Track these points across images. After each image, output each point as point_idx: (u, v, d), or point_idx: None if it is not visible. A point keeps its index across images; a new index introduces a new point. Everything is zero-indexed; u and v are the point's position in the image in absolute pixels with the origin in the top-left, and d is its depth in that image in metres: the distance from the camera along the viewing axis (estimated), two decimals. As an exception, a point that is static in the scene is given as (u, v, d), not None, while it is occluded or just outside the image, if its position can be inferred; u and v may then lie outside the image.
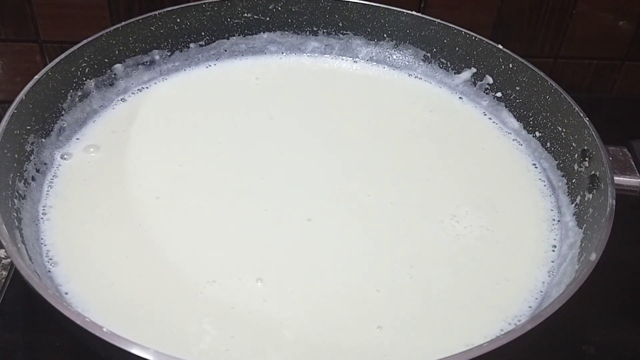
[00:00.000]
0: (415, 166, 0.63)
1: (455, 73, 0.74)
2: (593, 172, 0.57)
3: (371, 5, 0.75)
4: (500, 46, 0.69)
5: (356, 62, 0.78)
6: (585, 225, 0.55)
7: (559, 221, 0.59)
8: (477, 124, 0.70)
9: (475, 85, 0.73)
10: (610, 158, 0.55)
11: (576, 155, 0.60)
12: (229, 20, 0.74)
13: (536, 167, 0.65)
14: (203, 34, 0.74)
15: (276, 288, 0.51)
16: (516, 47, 0.72)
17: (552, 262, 0.55)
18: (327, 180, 0.60)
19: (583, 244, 0.53)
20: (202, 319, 0.48)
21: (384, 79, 0.76)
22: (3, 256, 0.66)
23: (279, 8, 0.75)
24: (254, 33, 0.76)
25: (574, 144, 0.61)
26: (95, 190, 0.58)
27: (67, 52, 0.62)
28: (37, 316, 0.57)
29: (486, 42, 0.70)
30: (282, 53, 0.77)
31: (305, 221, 0.56)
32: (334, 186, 0.60)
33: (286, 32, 0.76)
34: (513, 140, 0.68)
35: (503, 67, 0.70)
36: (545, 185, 0.63)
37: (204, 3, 0.72)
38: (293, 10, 0.75)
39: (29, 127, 0.57)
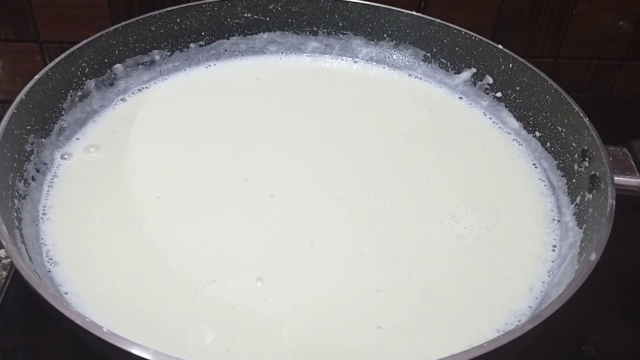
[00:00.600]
0: (415, 166, 0.63)
1: (455, 73, 0.74)
2: (593, 172, 0.57)
3: (371, 5, 0.75)
4: (500, 46, 0.69)
5: (356, 62, 0.78)
6: (585, 225, 0.55)
7: (559, 221, 0.59)
8: (477, 124, 0.70)
9: (475, 85, 0.73)
10: (610, 158, 0.55)
11: (576, 155, 0.60)
12: (229, 20, 0.74)
13: (536, 167, 0.65)
14: (203, 34, 0.74)
15: (276, 288, 0.51)
16: (516, 47, 0.72)
17: (552, 262, 0.55)
18: (328, 180, 0.60)
19: (583, 244, 0.53)
20: (202, 319, 0.48)
21: (384, 79, 0.76)
22: (3, 256, 0.66)
23: (279, 8, 0.75)
24: (254, 33, 0.76)
25: (574, 144, 0.61)
26: (96, 190, 0.58)
27: (67, 52, 0.62)
28: (37, 316, 0.57)
29: (486, 42, 0.70)
30: (282, 53, 0.77)
31: (306, 221, 0.56)
32: (334, 186, 0.60)
33: (286, 32, 0.76)
34: (513, 140, 0.68)
35: (503, 67, 0.70)
36: (545, 185, 0.63)
37: (204, 3, 0.72)
38: (293, 10, 0.75)
39: (29, 127, 0.57)
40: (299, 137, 0.65)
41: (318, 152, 0.64)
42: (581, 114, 0.60)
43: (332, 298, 0.50)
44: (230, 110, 0.68)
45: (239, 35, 0.75)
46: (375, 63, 0.77)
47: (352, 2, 0.74)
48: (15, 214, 0.51)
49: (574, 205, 0.59)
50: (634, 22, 0.86)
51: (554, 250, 0.56)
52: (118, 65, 0.68)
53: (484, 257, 0.55)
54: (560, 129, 0.63)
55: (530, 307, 0.51)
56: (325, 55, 0.78)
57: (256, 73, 0.74)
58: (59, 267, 0.51)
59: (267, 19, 0.75)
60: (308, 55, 0.78)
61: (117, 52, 0.67)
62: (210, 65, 0.75)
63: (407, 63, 0.76)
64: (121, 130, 0.65)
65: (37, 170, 0.58)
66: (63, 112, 0.62)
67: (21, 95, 0.56)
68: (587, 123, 0.59)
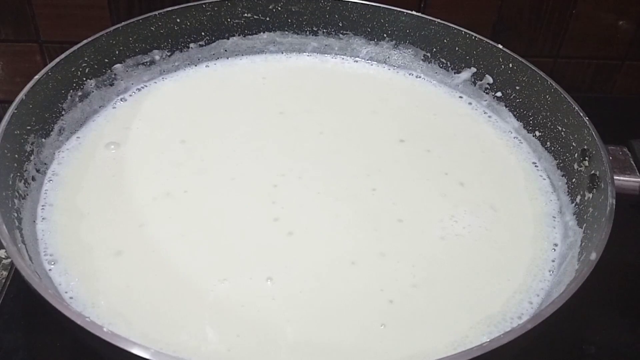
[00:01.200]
0: (415, 166, 0.63)
1: (455, 73, 0.74)
2: (593, 172, 0.57)
3: (371, 5, 0.75)
4: (500, 46, 0.69)
5: (357, 62, 0.78)
6: (585, 224, 0.55)
7: (559, 221, 0.59)
8: (477, 123, 0.70)
9: (475, 85, 0.73)
10: (610, 158, 0.55)
11: (576, 155, 0.60)
12: (229, 20, 0.74)
13: (536, 167, 0.65)
14: (203, 34, 0.74)
15: (286, 287, 0.51)
16: (516, 47, 0.72)
17: (553, 261, 0.55)
18: (333, 180, 0.61)
19: (583, 244, 0.53)
20: (212, 317, 0.48)
21: (384, 79, 0.76)
22: (3, 256, 0.66)
23: (279, 8, 0.75)
24: (254, 33, 0.76)
25: (574, 143, 0.61)
26: (96, 189, 0.58)
27: (67, 52, 0.62)
28: (37, 316, 0.57)
29: (486, 42, 0.70)
30: (282, 53, 0.77)
31: (313, 221, 0.56)
32: (339, 186, 0.60)
33: (286, 32, 0.77)
34: (513, 139, 0.68)
35: (503, 67, 0.70)
36: (545, 185, 0.63)
37: (204, 3, 0.72)
38: (293, 10, 0.75)
39: (29, 127, 0.57)
40: (300, 138, 0.65)
41: (320, 154, 0.64)
42: (581, 114, 0.60)
43: (338, 297, 0.51)
44: (231, 110, 0.68)
45: (239, 35, 0.75)
46: (375, 63, 0.77)
47: (352, 2, 0.75)
48: (15, 214, 0.51)
49: (574, 204, 0.59)
50: (634, 22, 0.86)
51: (554, 250, 0.56)
52: (118, 65, 0.68)
53: (484, 257, 0.55)
54: (560, 128, 0.63)
55: (531, 306, 0.51)
56: (325, 55, 0.78)
57: (257, 73, 0.74)
58: (59, 267, 0.51)
59: (267, 19, 0.75)
60: (308, 55, 0.78)
61: (117, 52, 0.68)
62: (210, 66, 0.75)
63: (407, 63, 0.76)
64: (121, 130, 0.65)
65: (37, 170, 0.58)
66: (63, 112, 0.63)
67: (21, 95, 0.56)
68: (587, 123, 0.59)
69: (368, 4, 0.75)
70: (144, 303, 0.49)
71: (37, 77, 0.58)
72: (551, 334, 0.45)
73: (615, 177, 0.54)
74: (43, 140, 0.60)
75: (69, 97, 0.63)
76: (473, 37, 0.71)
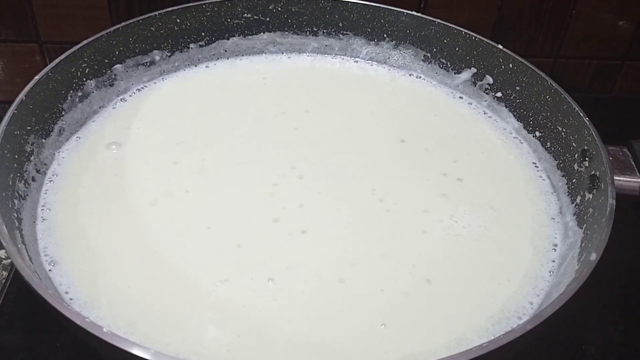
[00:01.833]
0: (415, 166, 0.63)
1: (455, 73, 0.74)
2: (593, 172, 0.57)
3: (371, 5, 0.75)
4: (500, 46, 0.69)
5: (357, 62, 0.78)
6: (585, 225, 0.55)
7: (559, 221, 0.59)
8: (477, 123, 0.70)
9: (475, 85, 0.73)
10: (610, 158, 0.55)
11: (576, 155, 0.60)
12: (229, 20, 0.74)
13: (536, 167, 0.65)
14: (203, 34, 0.74)
15: (287, 288, 0.51)
16: (516, 47, 0.72)
17: (553, 262, 0.55)
18: (334, 180, 0.60)
19: (583, 244, 0.53)
20: (213, 317, 0.48)
21: (384, 79, 0.76)
22: (3, 256, 0.66)
23: (279, 8, 0.75)
24: (254, 33, 0.76)
25: (574, 143, 0.61)
26: (96, 190, 0.58)
27: (67, 52, 0.62)
28: (37, 316, 0.57)
29: (486, 42, 0.70)
30: (282, 53, 0.77)
31: (314, 222, 0.56)
32: (341, 185, 0.60)
33: (286, 33, 0.77)
34: (513, 139, 0.68)
35: (503, 67, 0.70)
36: (545, 185, 0.63)
37: (204, 3, 0.72)
38: (293, 10, 0.75)
39: (29, 128, 0.57)
40: (301, 139, 0.65)
41: (321, 154, 0.63)
42: (581, 114, 0.60)
43: (339, 297, 0.51)
44: (231, 111, 0.68)
45: (239, 35, 0.75)
46: (375, 63, 0.78)
47: (352, 2, 0.75)
48: (15, 215, 0.51)
49: (574, 205, 0.59)
50: (634, 22, 0.86)
51: (554, 250, 0.56)
52: (118, 66, 0.68)
53: (484, 257, 0.55)
54: (560, 128, 0.63)
55: (531, 307, 0.51)
56: (325, 55, 0.78)
57: (257, 73, 0.74)
58: (59, 267, 0.51)
59: (267, 19, 0.75)
60: (308, 56, 0.78)
61: (117, 53, 0.68)
62: (210, 66, 0.75)
63: (407, 63, 0.76)
64: (122, 130, 0.65)
65: (37, 171, 0.58)
66: (63, 113, 0.63)
67: (21, 95, 0.56)
68: (587, 123, 0.59)
69: (368, 4, 0.75)
70: (144, 303, 0.49)
71: (37, 77, 0.58)
72: (551, 334, 0.45)
73: (616, 178, 0.54)
74: (43, 140, 0.60)
75: (69, 98, 0.63)
76: (473, 37, 0.71)
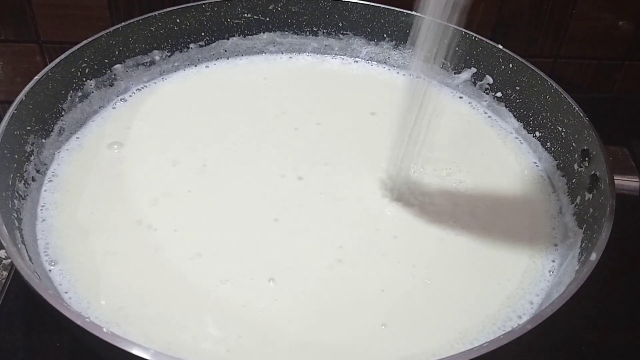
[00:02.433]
0: (415, 166, 0.63)
1: (455, 73, 0.74)
2: (593, 172, 0.57)
3: (371, 5, 0.75)
4: (500, 46, 0.69)
5: (357, 62, 0.78)
6: (585, 225, 0.55)
7: (559, 221, 0.59)
8: (477, 123, 0.70)
9: (475, 85, 0.73)
10: (610, 158, 0.55)
11: (576, 155, 0.60)
12: (229, 20, 0.74)
13: (537, 167, 0.65)
14: (203, 34, 0.74)
15: (287, 288, 0.51)
16: (516, 47, 0.72)
17: (553, 261, 0.55)
18: (333, 180, 0.60)
19: (583, 244, 0.53)
20: (214, 317, 0.48)
21: (384, 79, 0.76)
22: (3, 257, 0.66)
23: (279, 8, 0.75)
24: (254, 33, 0.76)
25: (574, 143, 0.61)
26: (96, 190, 0.58)
27: (67, 52, 0.62)
28: (37, 316, 0.57)
29: (486, 42, 0.70)
30: (282, 53, 0.77)
31: (315, 222, 0.56)
32: (341, 185, 0.60)
33: (286, 33, 0.77)
34: (513, 140, 0.68)
35: (503, 67, 0.70)
36: (545, 185, 0.63)
37: (204, 3, 0.72)
38: (293, 10, 0.75)
39: (29, 128, 0.57)
40: (301, 139, 0.65)
41: (322, 154, 0.63)
42: (581, 114, 0.60)
43: (340, 298, 0.51)
44: (231, 111, 0.68)
45: (239, 35, 0.75)
46: (375, 63, 0.78)
47: (352, 2, 0.75)
48: (15, 215, 0.51)
49: (574, 205, 0.59)
50: (634, 22, 0.86)
51: (554, 250, 0.56)
52: (118, 66, 0.68)
53: (484, 257, 0.55)
54: (560, 128, 0.63)
55: (531, 307, 0.51)
56: (325, 55, 0.78)
57: (257, 73, 0.74)
58: (59, 267, 0.51)
59: (267, 19, 0.75)
60: (308, 56, 0.78)
61: (117, 53, 0.68)
62: (210, 66, 0.75)
63: (407, 63, 0.76)
64: (122, 130, 0.65)
65: (37, 171, 0.58)
66: (63, 113, 0.63)
67: (21, 95, 0.56)
68: (587, 123, 0.59)
69: (368, 4, 0.75)
70: (144, 303, 0.49)
71: (37, 77, 0.58)
72: (551, 334, 0.45)
73: (616, 178, 0.54)
74: (43, 140, 0.60)
75: (69, 98, 0.63)
76: (473, 37, 0.71)
